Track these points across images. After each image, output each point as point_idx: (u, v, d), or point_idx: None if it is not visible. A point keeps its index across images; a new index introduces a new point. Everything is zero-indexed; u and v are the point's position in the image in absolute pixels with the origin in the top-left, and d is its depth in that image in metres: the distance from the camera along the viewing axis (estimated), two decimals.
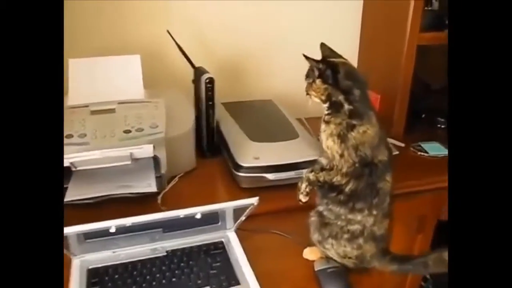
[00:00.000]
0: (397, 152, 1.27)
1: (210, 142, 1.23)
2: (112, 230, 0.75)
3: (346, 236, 0.84)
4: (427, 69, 1.61)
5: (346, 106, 0.81)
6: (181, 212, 0.78)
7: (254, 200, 0.80)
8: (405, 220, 1.24)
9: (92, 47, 1.26)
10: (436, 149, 1.33)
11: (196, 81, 1.23)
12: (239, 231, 0.96)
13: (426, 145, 1.34)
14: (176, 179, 1.12)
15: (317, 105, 1.43)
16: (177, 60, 1.29)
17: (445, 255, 0.81)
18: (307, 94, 0.86)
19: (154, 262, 0.86)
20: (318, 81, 0.83)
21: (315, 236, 0.88)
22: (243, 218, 0.89)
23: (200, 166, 1.20)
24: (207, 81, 1.16)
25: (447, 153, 1.32)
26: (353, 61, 1.56)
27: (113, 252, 0.87)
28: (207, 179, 1.17)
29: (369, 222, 0.83)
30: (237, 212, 0.90)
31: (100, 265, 0.84)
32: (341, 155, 0.81)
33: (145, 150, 0.91)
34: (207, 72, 1.19)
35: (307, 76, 0.86)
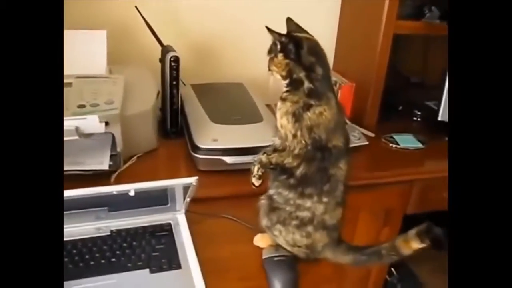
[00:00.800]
0: (366, 142, 1.24)
1: (173, 122, 1.19)
2: None
3: (294, 222, 0.81)
4: (407, 62, 1.58)
5: (306, 84, 0.78)
6: (114, 188, 0.75)
7: (192, 180, 0.77)
8: (371, 211, 1.22)
9: None
10: (408, 141, 1.30)
11: (162, 60, 1.19)
12: (191, 214, 0.93)
13: (398, 137, 1.31)
14: (134, 158, 1.08)
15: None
16: (147, 37, 1.25)
17: (397, 242, 0.79)
18: (269, 70, 0.82)
19: (96, 241, 0.83)
20: (280, 56, 0.79)
21: (263, 221, 0.85)
22: (188, 199, 0.86)
23: (162, 147, 1.17)
24: (172, 59, 1.12)
25: (419, 145, 1.29)
26: (331, 48, 1.54)
27: None
28: (167, 160, 1.14)
29: (319, 210, 0.80)
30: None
31: None
32: (294, 135, 0.78)
33: (90, 123, 0.87)
34: (173, 50, 1.15)
35: (270, 51, 0.82)
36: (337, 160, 0.80)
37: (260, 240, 0.89)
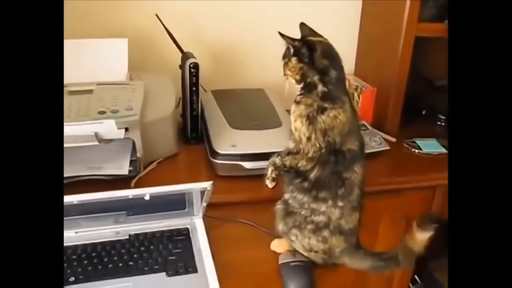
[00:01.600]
0: (388, 147, 1.22)
1: (194, 129, 1.20)
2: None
3: (310, 227, 0.81)
4: (430, 65, 1.54)
5: (320, 88, 0.78)
6: (129, 193, 0.76)
7: (207, 185, 0.78)
8: (393, 217, 1.19)
9: (82, 29, 1.25)
10: (431, 146, 1.26)
11: (182, 66, 1.21)
12: (209, 219, 0.93)
13: (421, 142, 1.28)
14: (154, 164, 1.10)
15: None
16: (167, 45, 1.27)
17: (408, 242, 0.80)
18: (284, 74, 0.83)
19: (115, 245, 0.84)
20: (293, 60, 0.80)
21: (280, 226, 0.85)
22: (204, 204, 0.86)
23: (182, 152, 1.18)
24: (191, 66, 1.13)
25: (442, 150, 1.25)
26: (352, 52, 1.52)
27: (76, 232, 0.86)
28: (187, 165, 1.15)
29: (335, 214, 0.79)
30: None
31: None
32: (308, 138, 0.78)
33: (108, 128, 0.88)
34: (193, 57, 1.17)
35: (284, 56, 0.83)
36: (352, 163, 0.79)
37: (277, 246, 0.88)
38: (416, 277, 1.33)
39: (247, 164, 1.03)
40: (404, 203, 1.18)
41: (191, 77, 1.14)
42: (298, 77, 0.79)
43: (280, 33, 0.79)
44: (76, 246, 0.83)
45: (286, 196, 0.84)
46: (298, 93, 0.80)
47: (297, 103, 0.79)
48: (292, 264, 0.82)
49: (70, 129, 0.83)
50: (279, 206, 0.85)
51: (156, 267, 0.80)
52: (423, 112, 1.48)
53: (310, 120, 0.77)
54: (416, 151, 1.25)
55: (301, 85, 0.79)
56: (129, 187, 1.01)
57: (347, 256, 0.83)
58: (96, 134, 0.88)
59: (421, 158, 1.24)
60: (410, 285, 1.32)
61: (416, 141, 1.28)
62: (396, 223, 1.20)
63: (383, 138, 1.24)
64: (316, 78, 0.77)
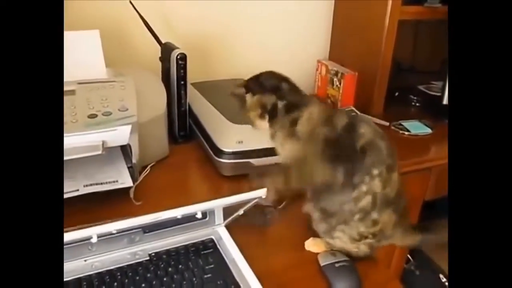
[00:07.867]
0: None
1: (182, 126, 1.10)
2: (94, 240, 0.61)
3: (357, 216, 0.74)
4: (396, 48, 1.57)
5: (280, 104, 0.77)
6: (181, 211, 0.65)
7: (261, 193, 0.69)
8: None
9: None
10: (417, 128, 1.28)
11: (164, 58, 1.09)
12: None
13: (407, 124, 1.29)
14: (148, 169, 0.98)
15: None
16: (140, 36, 1.14)
17: None
18: (253, 124, 0.83)
19: (136, 268, 0.73)
20: (248, 97, 0.80)
21: (320, 227, 0.79)
22: (241, 211, 0.77)
23: (173, 154, 1.07)
24: (179, 57, 1.02)
25: (428, 130, 1.28)
26: (326, 38, 1.49)
27: (85, 260, 0.73)
28: (183, 167, 1.04)
29: (377, 186, 0.72)
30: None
31: (69, 278, 0.70)
32: (305, 150, 0.74)
33: (120, 134, 0.76)
34: (177, 48, 1.05)
35: (240, 106, 0.82)
36: (353, 128, 0.74)
37: (312, 245, 0.82)
38: (409, 256, 1.36)
39: (255, 161, 0.96)
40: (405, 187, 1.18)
41: (178, 69, 1.03)
42: (260, 110, 0.79)
43: (232, 93, 0.82)
44: (90, 276, 0.70)
45: (321, 204, 0.77)
46: (268, 127, 0.80)
47: (273, 134, 0.79)
48: (337, 265, 0.77)
49: (75, 139, 0.70)
50: (316, 214, 0.78)
51: None
52: (396, 94, 1.50)
53: (295, 135, 0.75)
54: (406, 133, 1.25)
55: (266, 119, 0.79)
56: (127, 197, 0.89)
57: (400, 231, 0.77)
58: (103, 143, 0.75)
59: (412, 140, 1.25)
60: (405, 266, 1.34)
61: (403, 123, 1.29)
62: None
63: (375, 123, 1.22)
64: (273, 98, 0.77)
